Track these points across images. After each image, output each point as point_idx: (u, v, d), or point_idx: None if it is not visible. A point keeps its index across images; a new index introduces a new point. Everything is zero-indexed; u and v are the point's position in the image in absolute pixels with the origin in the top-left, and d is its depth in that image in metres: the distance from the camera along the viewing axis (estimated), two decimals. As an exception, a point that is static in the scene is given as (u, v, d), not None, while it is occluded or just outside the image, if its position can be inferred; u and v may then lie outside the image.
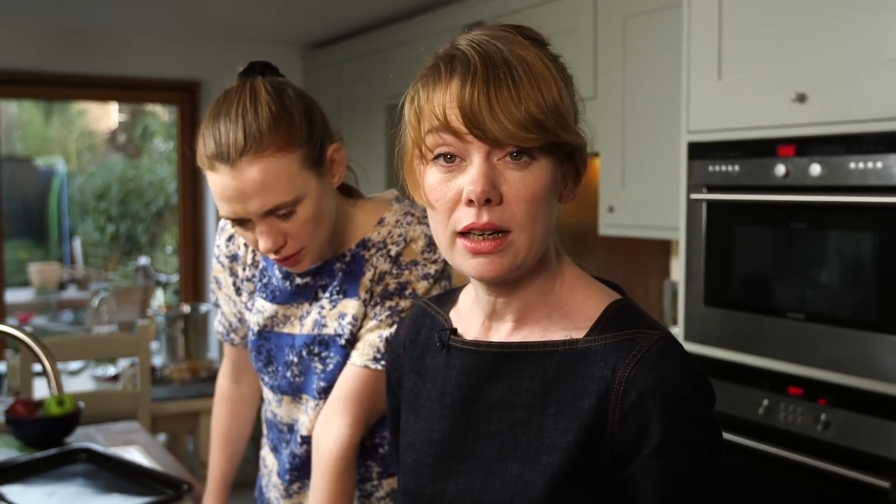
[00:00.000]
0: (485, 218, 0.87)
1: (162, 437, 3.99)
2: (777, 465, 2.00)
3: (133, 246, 8.22)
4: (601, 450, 0.87)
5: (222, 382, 1.69)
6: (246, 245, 1.50)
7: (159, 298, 6.42)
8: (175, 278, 6.28)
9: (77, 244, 8.10)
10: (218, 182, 1.24)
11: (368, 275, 1.36)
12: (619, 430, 0.86)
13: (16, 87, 4.55)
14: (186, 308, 4.06)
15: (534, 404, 0.91)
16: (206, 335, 4.12)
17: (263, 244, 1.26)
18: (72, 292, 6.74)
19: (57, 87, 4.65)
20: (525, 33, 0.91)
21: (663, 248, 3.20)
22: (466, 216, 0.87)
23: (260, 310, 1.46)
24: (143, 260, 6.95)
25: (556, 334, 0.93)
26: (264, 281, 1.46)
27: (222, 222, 1.54)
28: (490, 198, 0.86)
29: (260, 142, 1.21)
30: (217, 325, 1.63)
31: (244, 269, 1.51)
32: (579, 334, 0.92)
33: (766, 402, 2.04)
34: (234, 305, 1.55)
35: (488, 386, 0.95)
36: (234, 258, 1.52)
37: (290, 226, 1.26)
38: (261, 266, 1.48)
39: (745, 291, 2.11)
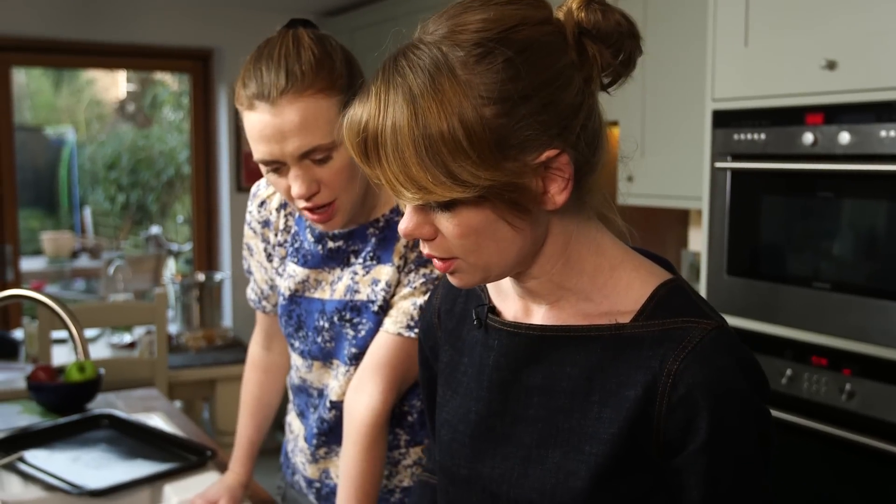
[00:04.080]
0: (426, 251, 0.88)
1: (177, 405, 4.01)
2: (801, 434, 2.00)
3: (143, 215, 8.23)
4: (646, 441, 0.85)
5: (253, 349, 1.68)
6: (278, 210, 1.49)
7: (171, 267, 6.44)
8: (186, 247, 6.29)
9: (87, 213, 8.11)
10: (256, 121, 1.23)
11: (403, 241, 1.35)
12: (666, 424, 0.84)
13: (28, 54, 4.53)
14: (201, 276, 4.07)
15: (576, 391, 0.89)
16: (220, 303, 4.13)
17: (297, 189, 1.25)
18: (84, 261, 6.75)
19: (69, 55, 4.63)
20: (460, 41, 0.81)
21: (681, 218, 3.18)
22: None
23: (291, 274, 1.45)
24: (155, 229, 6.96)
25: (600, 318, 0.89)
26: (296, 245, 1.45)
27: (254, 188, 1.53)
28: (419, 237, 0.87)
29: (301, 82, 1.22)
30: (249, 293, 1.62)
31: (276, 235, 1.50)
32: (625, 318, 0.88)
33: (789, 371, 2.04)
34: (266, 272, 1.55)
35: (528, 369, 0.92)
36: (265, 224, 1.51)
37: (324, 172, 1.25)
38: (293, 231, 1.47)
39: (769, 261, 2.10)
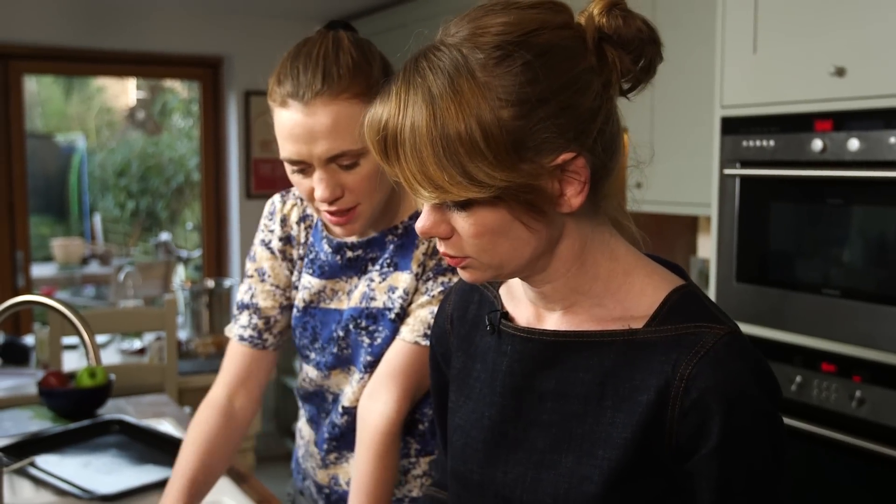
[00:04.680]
0: (441, 248, 0.89)
1: (187, 410, 4.02)
2: (810, 441, 2.00)
3: (153, 222, 8.26)
4: (659, 445, 0.85)
5: (216, 393, 1.46)
6: (298, 223, 1.45)
7: (180, 274, 6.46)
8: (196, 254, 6.31)
9: (97, 220, 8.15)
10: (287, 119, 1.22)
11: (422, 248, 1.34)
12: (678, 427, 0.84)
13: (40, 62, 4.56)
14: (210, 283, 4.08)
15: (589, 396, 0.89)
16: (229, 310, 4.14)
17: (320, 192, 1.24)
18: (94, 267, 6.78)
19: (80, 63, 4.66)
20: (481, 43, 0.83)
21: (690, 225, 3.18)
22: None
23: (306, 286, 1.42)
24: (165, 236, 6.99)
25: (613, 323, 0.89)
26: (311, 257, 1.43)
27: (269, 207, 1.49)
28: (435, 236, 0.88)
29: (337, 84, 1.21)
30: (242, 331, 1.45)
31: (298, 249, 1.46)
32: (638, 324, 0.88)
33: (798, 378, 2.03)
34: (279, 296, 1.46)
35: (541, 375, 0.92)
36: (288, 240, 1.46)
37: (350, 178, 1.24)
38: (309, 241, 1.44)
39: (778, 267, 2.09)
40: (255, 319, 1.45)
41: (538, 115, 0.81)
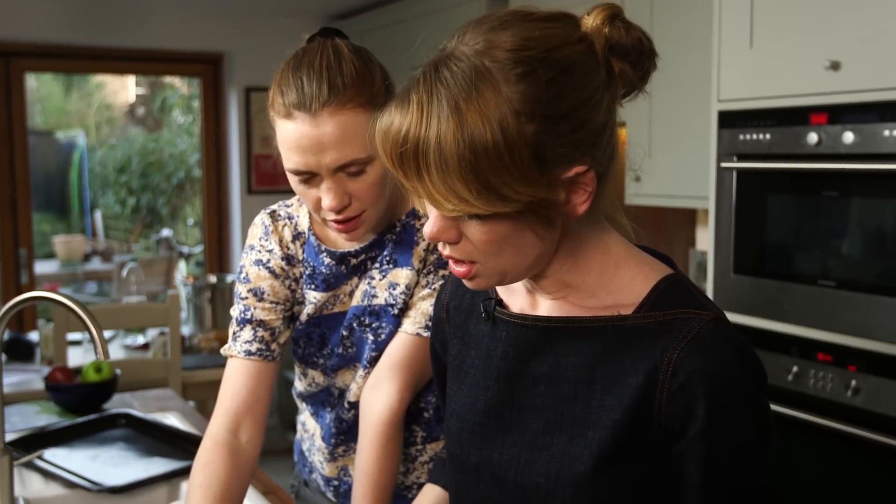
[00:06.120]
0: (446, 252, 0.90)
1: (191, 405, 4.05)
2: (807, 430, 2.02)
3: (154, 218, 8.28)
4: (647, 428, 0.88)
5: (220, 427, 1.37)
6: (293, 242, 1.43)
7: (182, 270, 6.48)
8: (197, 249, 6.34)
9: (98, 217, 8.17)
10: (293, 131, 1.22)
11: (423, 244, 1.36)
12: (666, 410, 0.87)
13: (41, 60, 4.59)
14: (213, 278, 4.12)
15: (580, 380, 0.92)
16: (232, 304, 4.17)
17: (328, 201, 1.24)
18: (96, 264, 6.82)
19: (81, 60, 4.68)
20: (503, 57, 0.82)
21: (689, 218, 3.20)
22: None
23: (311, 301, 1.42)
24: (166, 232, 7.01)
25: (603, 311, 0.92)
26: (308, 272, 1.42)
27: (261, 228, 1.44)
28: (443, 241, 0.89)
29: (343, 94, 1.21)
30: (248, 346, 1.39)
31: (299, 267, 1.43)
32: (628, 311, 0.91)
33: (795, 368, 2.06)
34: (280, 310, 1.42)
35: (534, 359, 0.95)
36: (289, 260, 1.43)
37: (357, 186, 1.25)
38: (304, 258, 1.43)
39: (774, 259, 2.12)
40: (260, 332, 1.40)
41: (559, 130, 0.83)
